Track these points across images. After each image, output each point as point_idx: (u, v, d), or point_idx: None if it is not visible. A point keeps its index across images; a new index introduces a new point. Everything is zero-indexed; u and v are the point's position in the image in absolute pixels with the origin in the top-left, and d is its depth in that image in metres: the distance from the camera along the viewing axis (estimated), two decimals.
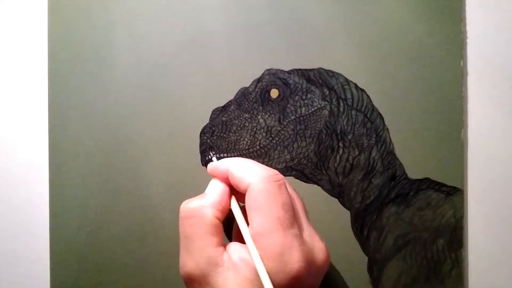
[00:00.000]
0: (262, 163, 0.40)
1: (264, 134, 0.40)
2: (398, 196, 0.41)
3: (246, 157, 0.40)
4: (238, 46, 0.41)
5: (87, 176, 0.42)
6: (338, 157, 0.40)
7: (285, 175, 0.41)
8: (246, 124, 0.40)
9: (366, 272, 0.41)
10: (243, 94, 0.41)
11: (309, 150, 0.40)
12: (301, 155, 0.40)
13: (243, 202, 0.33)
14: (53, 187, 0.42)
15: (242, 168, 0.33)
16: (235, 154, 0.40)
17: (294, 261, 0.29)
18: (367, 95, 0.41)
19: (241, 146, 0.40)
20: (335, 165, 0.40)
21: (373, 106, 0.41)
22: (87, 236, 0.42)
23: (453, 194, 0.40)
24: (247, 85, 0.41)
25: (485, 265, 0.40)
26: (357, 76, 0.41)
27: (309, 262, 0.31)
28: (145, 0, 0.42)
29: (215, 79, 0.42)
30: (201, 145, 0.41)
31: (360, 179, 0.41)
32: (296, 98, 0.40)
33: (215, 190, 0.34)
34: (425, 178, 0.41)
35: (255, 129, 0.40)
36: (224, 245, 0.32)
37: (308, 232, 0.33)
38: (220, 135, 0.40)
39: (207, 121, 0.41)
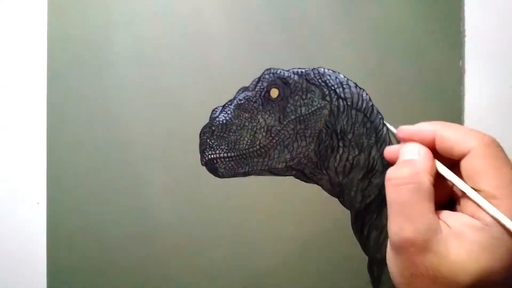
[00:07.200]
0: (262, 162, 0.40)
1: (264, 133, 0.40)
2: None
3: (246, 156, 0.40)
4: (238, 46, 0.41)
5: (86, 176, 0.42)
6: (338, 156, 0.40)
7: (285, 175, 0.41)
8: (246, 123, 0.40)
9: (366, 271, 0.41)
10: (243, 93, 0.41)
11: (309, 150, 0.40)
12: (301, 155, 0.40)
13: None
14: (51, 187, 0.42)
15: (457, 131, 0.31)
16: (235, 154, 0.40)
17: None
18: (367, 94, 0.41)
19: (241, 146, 0.40)
20: (335, 164, 0.40)
21: (372, 105, 0.41)
22: (85, 236, 0.42)
23: None
24: (247, 85, 0.41)
25: None
26: (357, 76, 0.41)
27: None
28: (145, 0, 0.42)
29: (215, 79, 0.42)
30: (201, 145, 0.41)
31: (360, 178, 0.41)
32: (296, 97, 0.40)
33: (423, 155, 0.32)
34: None
35: (255, 128, 0.40)
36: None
37: None
38: (220, 135, 0.40)
39: (207, 121, 0.41)
